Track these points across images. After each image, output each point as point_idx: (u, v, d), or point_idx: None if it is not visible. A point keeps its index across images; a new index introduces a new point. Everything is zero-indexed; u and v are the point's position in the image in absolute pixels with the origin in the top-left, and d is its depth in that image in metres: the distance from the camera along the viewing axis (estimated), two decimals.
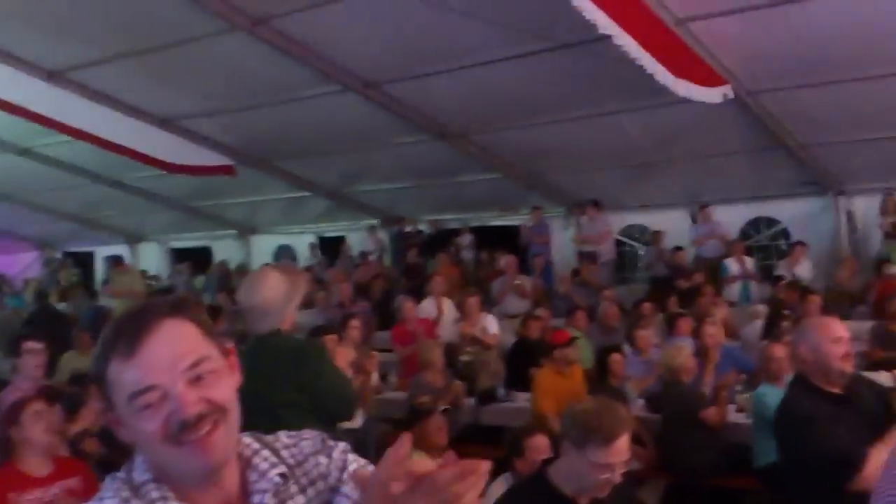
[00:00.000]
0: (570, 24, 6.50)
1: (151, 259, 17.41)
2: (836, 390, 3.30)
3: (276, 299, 3.55)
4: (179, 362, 1.22)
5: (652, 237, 11.98)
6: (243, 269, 13.36)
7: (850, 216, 10.81)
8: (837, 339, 3.31)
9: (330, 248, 14.99)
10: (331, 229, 15.45)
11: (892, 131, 9.12)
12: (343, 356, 4.80)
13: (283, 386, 3.44)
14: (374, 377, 7.05)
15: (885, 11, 6.95)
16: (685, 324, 7.31)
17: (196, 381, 1.22)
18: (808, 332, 3.48)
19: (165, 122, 11.09)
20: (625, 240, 12.91)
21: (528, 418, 6.02)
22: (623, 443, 2.78)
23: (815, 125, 9.18)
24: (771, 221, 11.69)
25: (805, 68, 7.95)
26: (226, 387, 1.27)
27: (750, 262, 10.59)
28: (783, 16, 7.15)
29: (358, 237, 14.71)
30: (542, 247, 12.00)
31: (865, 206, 10.63)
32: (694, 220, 11.38)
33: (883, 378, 5.38)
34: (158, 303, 1.30)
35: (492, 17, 7.42)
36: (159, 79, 9.84)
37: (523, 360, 7.35)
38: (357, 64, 8.98)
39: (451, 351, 7.74)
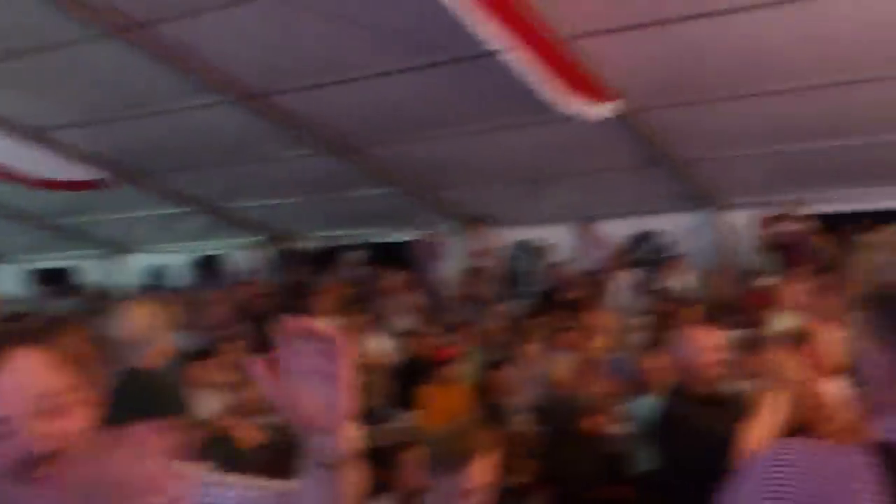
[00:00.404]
0: (462, 37, 6.61)
1: (9, 282, 16.40)
2: (709, 393, 3.50)
3: (135, 336, 3.44)
4: (25, 395, 1.18)
5: (540, 252, 12.25)
6: (112, 293, 12.88)
7: (728, 230, 11.34)
8: (710, 347, 3.50)
9: (209, 267, 14.65)
10: (211, 247, 15.11)
11: (767, 147, 9.66)
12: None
13: None
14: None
15: (760, 33, 7.34)
16: (570, 337, 7.50)
17: (42, 414, 1.18)
18: (683, 341, 3.66)
19: (32, 133, 10.64)
20: (514, 255, 13.15)
21: (415, 437, 6.04)
22: (479, 467, 2.73)
23: (696, 141, 9.62)
24: (654, 235, 12.15)
25: (687, 86, 8.32)
26: (73, 421, 1.23)
27: (634, 275, 10.98)
28: (668, 35, 7.44)
29: (240, 255, 14.46)
30: (433, 263, 12.09)
31: (743, 220, 11.17)
32: (581, 235, 11.70)
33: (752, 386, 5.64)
34: (10, 331, 1.26)
35: (385, 28, 7.48)
36: (26, 88, 9.45)
37: (411, 378, 7.40)
38: (242, 73, 8.83)
39: None
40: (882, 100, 8.30)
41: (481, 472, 2.73)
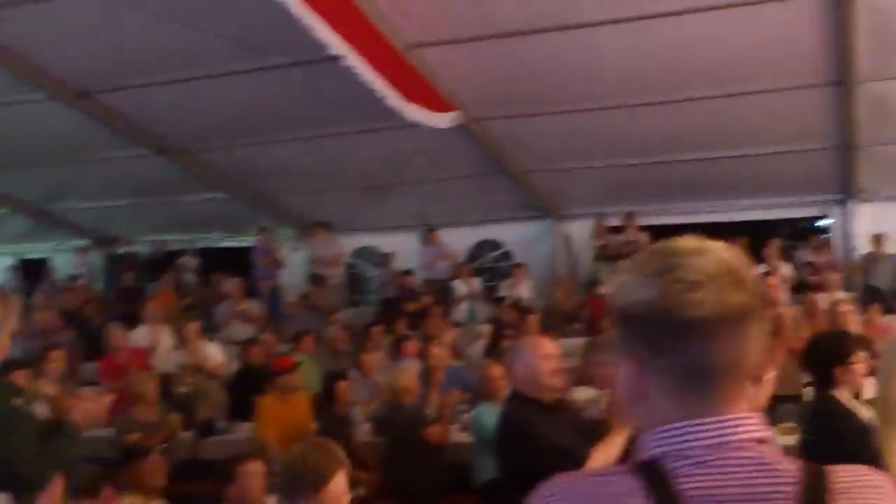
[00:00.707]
0: (300, 41, 6.56)
1: None
2: (549, 401, 3.64)
3: None
4: None
5: (383, 259, 12.32)
6: None
7: (566, 239, 11.81)
8: (547, 356, 3.64)
9: (32, 271, 13.88)
10: (33, 251, 14.34)
11: (602, 161, 10.15)
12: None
13: None
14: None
15: (596, 51, 7.70)
16: (412, 345, 7.61)
17: None
18: (521, 350, 3.80)
19: None
20: (356, 262, 13.17)
21: (251, 449, 5.95)
22: (338, 484, 2.71)
23: (535, 153, 9.97)
24: (495, 244, 12.49)
25: (526, 99, 8.62)
26: None
27: (476, 284, 11.25)
28: (509, 48, 7.69)
29: (65, 259, 13.75)
30: (270, 270, 11.92)
31: (580, 230, 11.65)
32: (423, 243, 11.87)
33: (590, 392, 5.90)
34: None
35: (218, 29, 7.31)
36: None
37: (247, 388, 7.26)
38: (65, 70, 8.40)
39: (167, 382, 7.46)
40: (709, 118, 8.92)
41: (341, 488, 2.70)
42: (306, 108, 8.91)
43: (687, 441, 1.14)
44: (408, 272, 11.35)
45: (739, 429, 1.14)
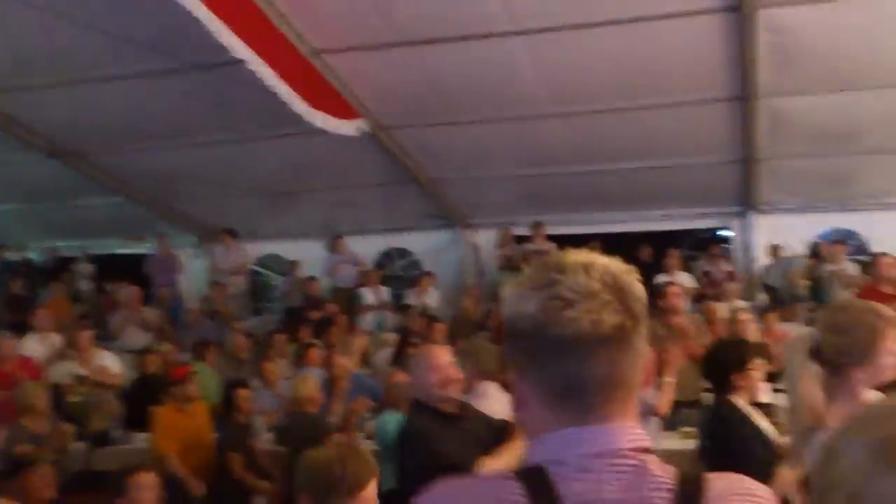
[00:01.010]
0: (202, 45, 6.52)
1: None
2: (448, 410, 3.74)
3: None
4: None
5: (288, 267, 12.27)
6: None
7: (474, 248, 11.98)
8: (438, 366, 3.74)
9: None
10: None
11: (509, 170, 10.36)
12: None
13: None
14: None
15: (506, 61, 7.84)
16: (316, 354, 7.63)
17: None
18: (416, 360, 3.91)
19: None
20: (260, 270, 13.08)
21: (147, 460, 5.89)
22: (371, 491, 2.67)
23: (443, 162, 10.09)
24: (403, 252, 12.58)
25: (436, 108, 8.72)
26: None
27: (384, 292, 11.31)
28: (418, 56, 7.77)
29: None
30: (169, 277, 11.75)
31: (488, 239, 11.85)
32: (330, 251, 11.88)
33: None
34: None
35: (114, 30, 7.16)
36: None
37: (143, 398, 7.16)
38: None
39: (58, 392, 7.29)
40: (616, 130, 9.18)
41: (371, 496, 2.65)
42: (208, 112, 8.82)
43: (568, 448, 1.18)
44: (313, 280, 11.34)
45: (620, 438, 1.19)
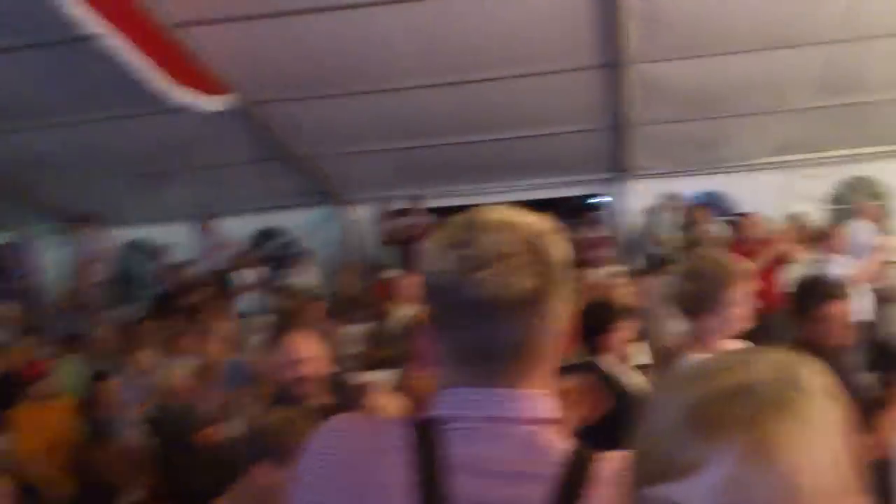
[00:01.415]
0: (51, 19, 6.21)
1: None
2: (322, 401, 3.64)
3: None
4: None
5: (157, 252, 11.94)
6: None
7: (352, 225, 11.93)
8: (293, 362, 3.63)
9: None
10: None
11: (385, 144, 10.32)
12: None
13: None
14: None
15: (376, 31, 7.78)
16: (188, 341, 7.46)
17: None
18: (278, 350, 3.79)
19: None
20: (126, 256, 12.64)
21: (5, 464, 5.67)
22: None
23: (316, 137, 9.95)
24: (279, 231, 12.41)
25: (307, 81, 8.58)
26: None
27: (260, 273, 11.15)
28: (285, 27, 7.62)
29: None
30: (27, 268, 11.26)
31: (366, 215, 11.82)
32: (202, 233, 11.61)
33: (380, 376, 6.03)
34: None
35: None
36: None
37: (1, 397, 6.87)
38: None
39: None
40: (490, 100, 9.26)
41: None
42: (60, 91, 8.39)
43: (465, 408, 1.17)
44: (185, 264, 11.06)
45: (520, 405, 1.17)
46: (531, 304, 1.16)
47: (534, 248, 1.17)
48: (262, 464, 2.67)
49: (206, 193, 11.31)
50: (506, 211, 1.22)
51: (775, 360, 0.82)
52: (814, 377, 0.81)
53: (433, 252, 1.21)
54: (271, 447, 2.67)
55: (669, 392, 0.83)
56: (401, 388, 4.01)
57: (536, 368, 1.20)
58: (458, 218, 1.24)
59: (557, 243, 1.21)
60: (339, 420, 1.27)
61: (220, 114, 8.35)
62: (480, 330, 1.16)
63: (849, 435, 0.79)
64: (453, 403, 1.19)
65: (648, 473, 0.80)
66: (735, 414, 0.76)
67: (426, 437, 1.17)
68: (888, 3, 8.00)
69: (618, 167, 11.48)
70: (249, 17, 7.47)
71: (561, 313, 1.20)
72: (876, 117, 10.23)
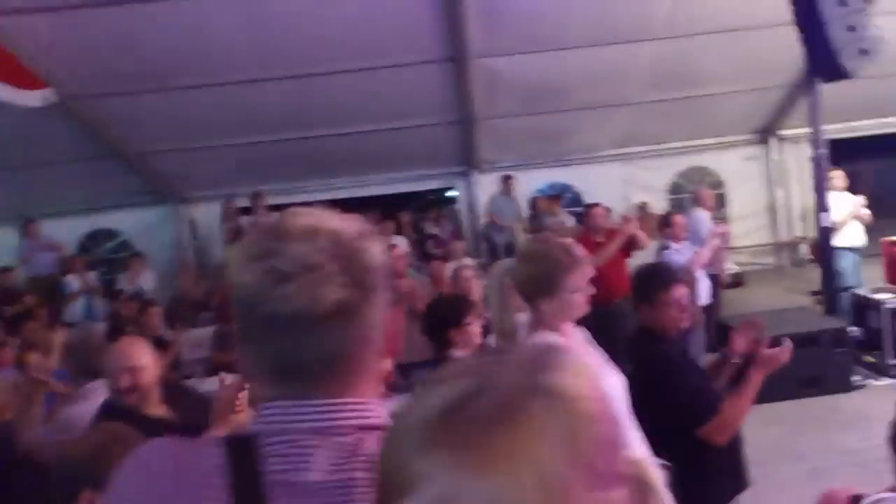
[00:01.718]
0: None
1: None
2: (149, 413, 3.47)
3: None
4: None
5: None
6: None
7: (192, 224, 11.56)
8: (126, 369, 3.47)
9: None
10: None
11: (224, 140, 10.04)
12: None
13: None
14: None
15: (205, 24, 7.61)
16: (7, 354, 7.02)
17: None
18: (108, 359, 3.60)
19: None
20: None
21: None
22: None
23: (148, 133, 9.62)
24: (111, 233, 11.87)
25: (133, 75, 8.27)
26: None
27: (91, 277, 10.63)
28: (105, 19, 7.34)
29: None
30: None
31: (206, 214, 11.48)
32: (22, 237, 10.97)
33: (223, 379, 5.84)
34: None
35: None
36: None
37: None
38: None
39: None
40: (334, 94, 9.20)
41: None
42: None
43: (285, 422, 1.13)
44: (6, 270, 10.43)
45: (339, 414, 1.13)
46: (341, 315, 1.11)
47: (344, 256, 1.11)
48: (84, 493, 2.51)
49: (27, 195, 10.72)
50: (317, 214, 1.15)
51: (526, 363, 0.77)
52: (566, 381, 0.75)
53: (237, 263, 1.14)
54: (86, 476, 2.48)
55: (412, 401, 0.78)
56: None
57: (355, 376, 1.16)
58: (265, 224, 1.17)
59: (370, 248, 1.15)
60: (153, 447, 1.19)
61: (38, 109, 7.90)
62: (287, 345, 1.11)
63: (598, 443, 0.74)
64: (272, 418, 1.14)
65: (387, 492, 0.75)
66: (455, 425, 0.71)
67: (243, 456, 1.11)
68: (711, 1, 8.42)
69: (467, 161, 11.60)
70: (66, 8, 7.15)
71: (376, 320, 1.16)
72: (709, 111, 10.76)
